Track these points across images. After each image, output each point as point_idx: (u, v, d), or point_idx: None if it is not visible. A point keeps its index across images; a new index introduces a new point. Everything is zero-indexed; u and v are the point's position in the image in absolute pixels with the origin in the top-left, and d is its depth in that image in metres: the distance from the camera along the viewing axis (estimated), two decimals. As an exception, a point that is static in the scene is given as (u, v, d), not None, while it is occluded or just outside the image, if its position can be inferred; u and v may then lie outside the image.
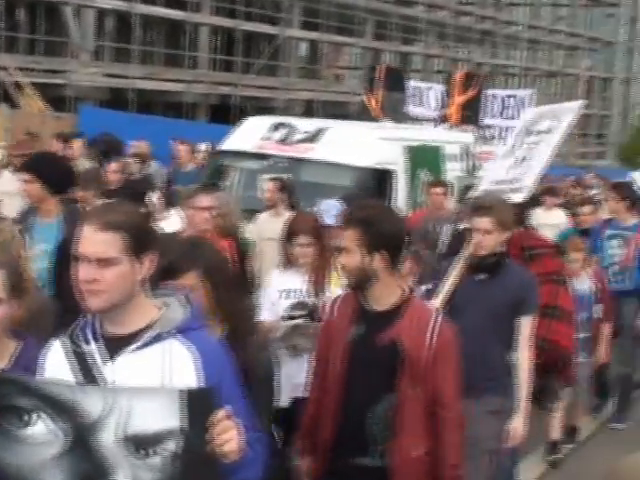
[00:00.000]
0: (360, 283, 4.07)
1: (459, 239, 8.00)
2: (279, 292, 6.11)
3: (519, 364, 5.54)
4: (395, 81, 15.75)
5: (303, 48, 52.25)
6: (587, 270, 8.38)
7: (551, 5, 74.09)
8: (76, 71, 35.21)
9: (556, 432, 8.66)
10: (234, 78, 43.08)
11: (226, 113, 36.75)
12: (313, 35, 47.61)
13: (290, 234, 6.22)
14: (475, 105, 14.25)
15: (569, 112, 8.26)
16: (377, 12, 50.82)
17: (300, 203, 9.60)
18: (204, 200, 6.93)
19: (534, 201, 14.97)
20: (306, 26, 47.05)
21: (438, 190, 10.94)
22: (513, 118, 16.97)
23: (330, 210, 7.81)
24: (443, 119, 14.50)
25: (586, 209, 10.97)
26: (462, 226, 8.26)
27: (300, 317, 5.85)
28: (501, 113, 17.15)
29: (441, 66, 60.85)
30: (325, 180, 10.85)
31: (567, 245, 8.31)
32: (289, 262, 6.22)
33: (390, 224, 4.08)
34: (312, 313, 5.87)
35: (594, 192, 17.73)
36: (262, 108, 39.81)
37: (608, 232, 9.48)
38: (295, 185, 10.43)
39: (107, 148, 14.54)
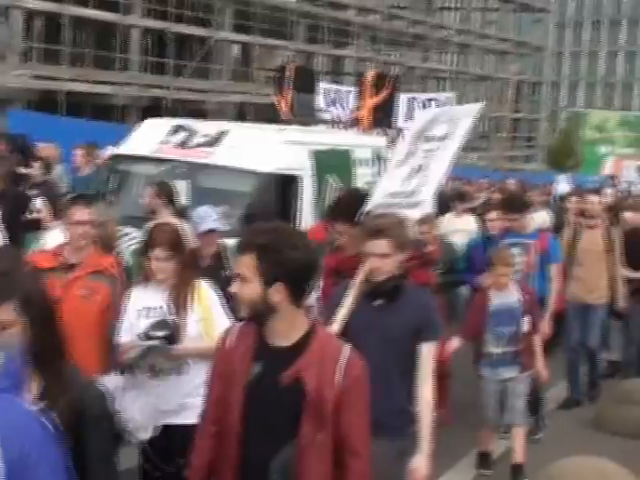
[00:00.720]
0: (258, 316, 3.58)
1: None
2: (138, 310, 5.58)
3: (420, 396, 5.06)
4: (306, 82, 14.93)
5: (235, 51, 52.06)
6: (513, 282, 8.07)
7: (481, 10, 74.93)
8: (4, 73, 34.66)
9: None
10: (165, 80, 42.83)
11: (157, 116, 36.36)
12: (245, 38, 47.52)
13: (147, 246, 5.65)
14: (387, 107, 13.63)
15: (466, 116, 7.68)
16: (309, 15, 50.89)
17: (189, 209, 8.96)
18: (79, 213, 6.11)
19: (444, 207, 14.36)
20: (238, 29, 46.93)
21: None
22: None
23: (204, 217, 7.54)
24: (354, 122, 13.83)
25: (492, 215, 10.48)
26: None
27: (160, 338, 5.36)
28: None
29: (372, 69, 61.14)
30: (225, 186, 10.33)
31: (495, 258, 8.00)
32: (148, 277, 5.66)
33: (293, 251, 3.53)
34: (173, 333, 5.42)
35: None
36: (194, 111, 39.59)
37: (507, 240, 9.15)
38: (195, 191, 10.02)
39: (18, 150, 14.09)
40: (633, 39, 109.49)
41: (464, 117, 7.67)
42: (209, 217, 7.54)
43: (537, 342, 8.02)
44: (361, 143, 12.83)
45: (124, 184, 11.21)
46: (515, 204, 9.28)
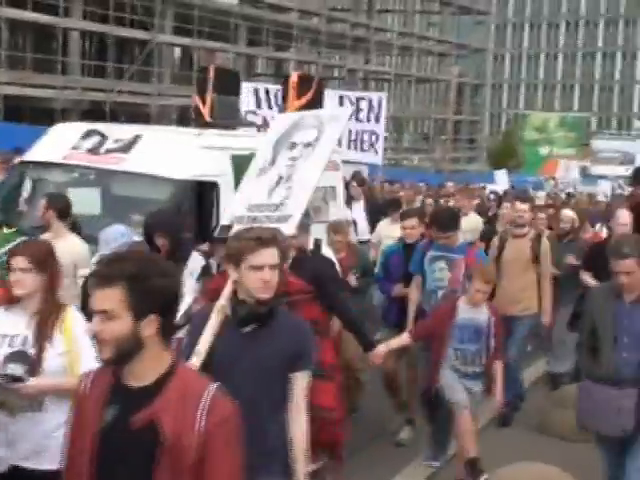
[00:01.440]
0: (124, 355, 3.16)
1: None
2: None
3: (293, 433, 4.55)
4: (228, 83, 14.13)
5: (176, 53, 51.86)
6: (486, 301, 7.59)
7: (422, 12, 75.46)
8: (-60, 77, 34.22)
9: None
10: (106, 84, 42.53)
11: (99, 120, 36.16)
12: (186, 41, 47.35)
13: (8, 259, 4.99)
14: (311, 110, 13.25)
15: (335, 121, 7.10)
16: (250, 18, 50.88)
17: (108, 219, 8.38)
18: None
19: (379, 213, 14.12)
20: (179, 31, 46.78)
21: None
22: (369, 121, 16.91)
23: (109, 242, 7.15)
24: None
25: (409, 222, 9.23)
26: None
27: (11, 374, 4.65)
28: (356, 116, 16.70)
29: (314, 72, 61.30)
30: (139, 194, 9.66)
31: (475, 272, 7.50)
32: (11, 298, 4.93)
33: (163, 279, 3.20)
34: (30, 367, 4.71)
35: (452, 202, 17.25)
36: (135, 114, 39.36)
37: (432, 253, 8.43)
38: (106, 200, 9.48)
39: None
40: (572, 41, 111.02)
41: (333, 122, 7.09)
42: (114, 242, 7.06)
43: (499, 367, 7.54)
44: None
45: (34, 193, 10.38)
46: (445, 223, 8.44)
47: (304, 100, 12.62)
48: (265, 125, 14.60)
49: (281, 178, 6.78)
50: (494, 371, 7.52)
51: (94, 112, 38.97)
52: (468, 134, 77.52)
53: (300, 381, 4.55)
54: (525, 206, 10.10)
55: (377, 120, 17.18)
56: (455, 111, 66.85)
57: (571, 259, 10.91)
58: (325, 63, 60.59)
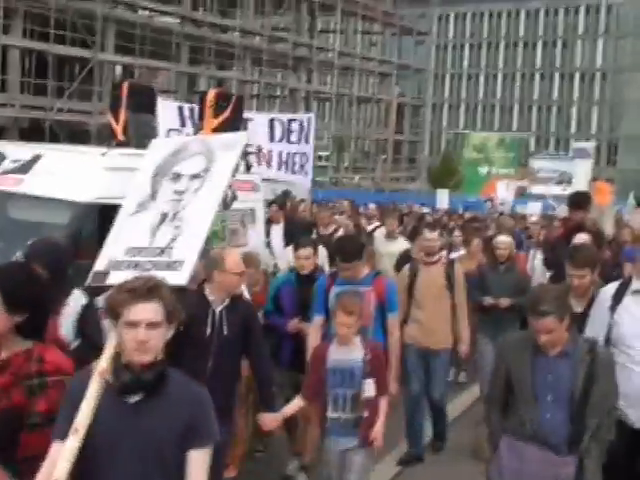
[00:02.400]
0: None
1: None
2: None
3: None
4: (143, 100, 13.39)
5: (117, 72, 51.67)
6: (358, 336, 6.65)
7: (363, 33, 76.03)
8: None
9: None
10: (46, 102, 42.24)
11: (38, 138, 35.92)
12: (127, 59, 47.23)
13: None
14: (230, 129, 12.09)
15: (230, 149, 6.34)
16: (192, 37, 50.95)
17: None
18: None
19: (298, 236, 13.80)
20: (120, 50, 46.67)
21: None
22: (299, 142, 16.75)
23: None
24: None
25: (303, 252, 8.35)
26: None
27: None
28: (287, 138, 16.77)
29: (256, 91, 61.49)
30: (38, 218, 8.92)
31: (337, 304, 6.63)
32: None
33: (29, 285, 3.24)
34: None
35: (374, 225, 16.57)
36: (75, 133, 39.17)
37: (336, 289, 7.45)
38: (4, 224, 8.76)
39: None
40: (511, 62, 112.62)
41: (227, 151, 6.31)
42: None
43: (382, 407, 6.66)
44: None
45: None
46: (350, 252, 7.60)
47: (221, 119, 11.86)
48: None
49: (165, 215, 5.99)
50: (378, 413, 6.62)
51: (33, 130, 38.70)
52: (408, 153, 78.14)
53: (197, 460, 3.80)
54: (434, 234, 9.42)
55: (307, 141, 17.00)
56: (396, 131, 67.41)
57: (487, 300, 10.01)
58: (267, 82, 60.78)
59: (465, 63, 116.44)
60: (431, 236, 9.35)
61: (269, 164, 16.70)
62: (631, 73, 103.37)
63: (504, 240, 10.59)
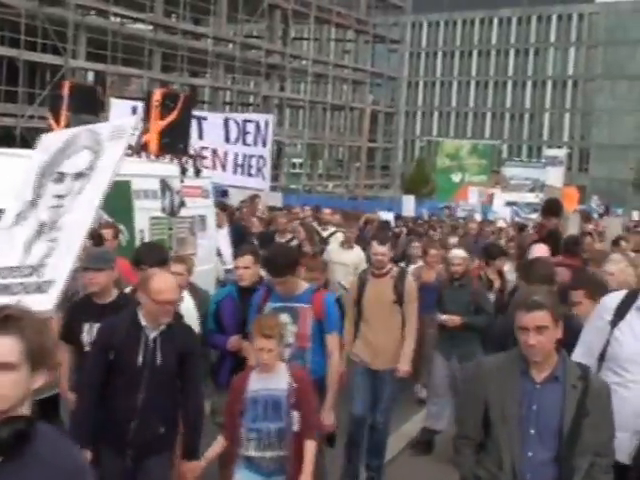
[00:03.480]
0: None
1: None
2: None
3: None
4: (86, 101, 12.68)
5: (89, 79, 51.44)
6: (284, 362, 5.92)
7: (336, 40, 76.13)
8: None
9: None
10: (17, 109, 41.97)
11: (9, 145, 35.67)
12: (99, 66, 47.03)
13: None
14: (177, 130, 11.60)
15: (117, 137, 5.35)
16: (164, 44, 50.81)
17: None
18: None
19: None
20: (92, 57, 46.47)
21: (106, 232, 8.60)
22: (256, 144, 16.01)
23: None
24: (143, 147, 11.71)
25: (241, 261, 7.51)
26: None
27: None
28: (243, 140, 16.01)
29: (228, 98, 61.45)
30: None
31: (254, 326, 5.85)
32: None
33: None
34: None
35: (331, 230, 15.61)
36: (46, 140, 38.87)
37: (270, 305, 6.77)
38: None
39: None
40: (484, 70, 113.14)
41: (114, 140, 5.35)
42: None
43: (309, 447, 5.75)
44: (145, 172, 10.79)
45: None
46: (280, 265, 6.71)
47: (169, 120, 11.31)
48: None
49: (43, 226, 5.00)
50: (304, 452, 5.73)
51: (4, 137, 38.42)
52: (382, 161, 78.27)
53: None
54: (383, 248, 8.54)
55: (264, 144, 16.24)
56: (369, 138, 67.52)
57: (439, 317, 9.41)
58: (240, 89, 60.71)
59: (438, 71, 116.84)
60: (380, 249, 8.55)
61: (224, 167, 16.02)
62: (602, 81, 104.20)
63: (458, 255, 9.85)
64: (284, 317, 6.62)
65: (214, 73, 56.82)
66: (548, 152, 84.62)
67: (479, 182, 58.15)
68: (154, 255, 6.95)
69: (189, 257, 8.36)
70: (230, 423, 5.83)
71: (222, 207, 14.69)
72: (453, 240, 14.84)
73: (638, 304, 5.38)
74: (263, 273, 7.47)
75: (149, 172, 10.85)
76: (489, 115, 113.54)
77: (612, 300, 5.52)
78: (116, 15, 48.18)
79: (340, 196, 60.99)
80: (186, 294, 7.13)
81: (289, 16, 62.60)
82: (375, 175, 74.58)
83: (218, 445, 5.91)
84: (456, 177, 61.04)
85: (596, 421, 4.39)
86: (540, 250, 9.24)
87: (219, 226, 13.14)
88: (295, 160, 79.96)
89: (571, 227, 16.23)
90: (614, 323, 5.37)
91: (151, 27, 51.14)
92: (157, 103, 11.39)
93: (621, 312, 5.39)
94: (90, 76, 51.61)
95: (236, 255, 7.98)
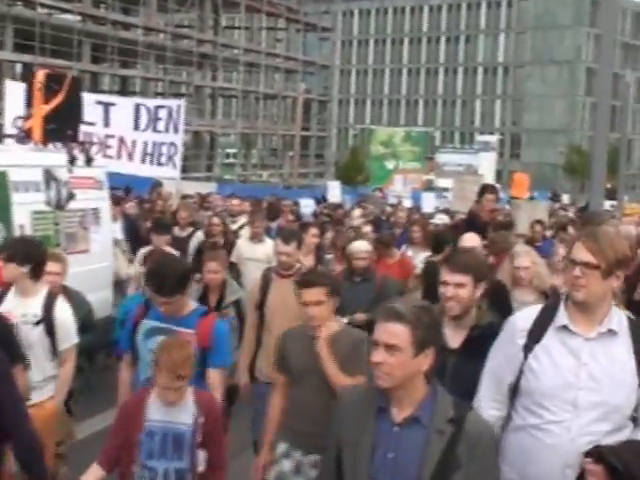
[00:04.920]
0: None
1: None
2: None
3: None
4: None
5: (17, 70, 50.60)
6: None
7: (268, 29, 75.89)
8: None
9: None
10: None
11: None
12: (27, 57, 46.25)
13: None
14: (64, 116, 10.55)
15: None
16: (94, 35, 50.18)
17: None
18: None
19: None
20: (20, 48, 45.70)
21: None
22: (168, 131, 15.31)
23: None
24: (26, 135, 10.63)
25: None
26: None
27: None
28: (154, 127, 15.29)
29: (160, 89, 60.95)
30: None
31: (161, 354, 4.90)
32: None
33: None
34: None
35: (240, 223, 14.23)
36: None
37: (147, 324, 5.83)
38: None
39: None
40: (416, 57, 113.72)
41: None
42: None
43: None
44: (25, 162, 9.85)
45: None
46: (169, 282, 5.56)
47: (54, 104, 10.36)
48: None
49: None
50: None
51: None
52: (316, 149, 78.27)
53: None
54: (288, 247, 7.49)
55: (176, 130, 15.41)
56: (303, 127, 67.46)
57: (360, 317, 8.16)
58: (172, 80, 60.22)
59: (370, 59, 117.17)
60: (284, 249, 7.49)
61: (130, 157, 15.26)
62: (532, 67, 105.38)
63: (362, 248, 8.81)
64: (157, 341, 5.41)
65: (145, 64, 56.26)
66: (480, 138, 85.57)
67: (413, 169, 58.41)
68: (26, 251, 6.19)
69: (63, 255, 7.62)
70: (113, 452, 4.90)
71: (115, 200, 13.62)
72: (367, 229, 13.62)
73: (557, 322, 4.17)
74: None
75: (30, 162, 9.97)
76: (421, 102, 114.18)
77: (524, 319, 4.30)
78: (43, 6, 47.43)
79: (275, 185, 60.87)
80: (60, 299, 6.39)
81: (219, 5, 62.26)
82: (309, 164, 74.57)
83: (93, 474, 4.86)
84: (390, 164, 61.14)
85: (474, 476, 3.54)
86: (471, 240, 8.05)
87: (112, 221, 12.07)
88: (229, 150, 79.61)
89: (522, 215, 16.15)
90: (528, 348, 4.18)
91: (79, 18, 50.45)
92: (40, 85, 10.51)
93: (536, 334, 4.19)
94: (18, 68, 50.80)
95: (145, 258, 7.08)
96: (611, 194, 32.30)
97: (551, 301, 4.62)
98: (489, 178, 36.46)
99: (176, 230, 12.19)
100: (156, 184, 18.07)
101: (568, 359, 4.08)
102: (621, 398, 4.02)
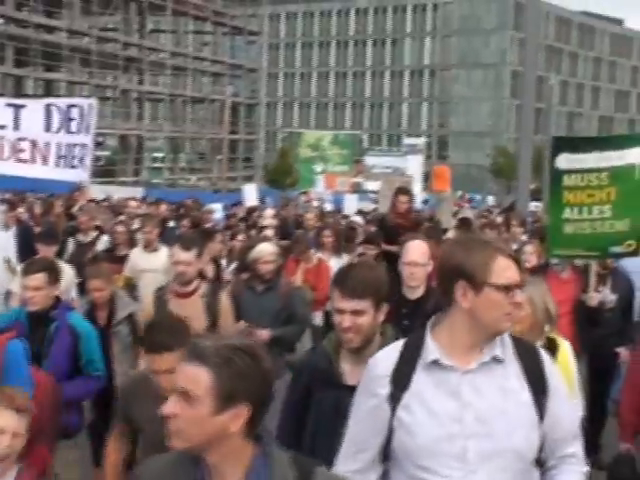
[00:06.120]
0: None
1: None
2: None
3: None
4: None
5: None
6: None
7: (194, 32, 75.50)
8: None
9: None
10: None
11: None
12: (-52, 61, 45.50)
13: None
14: None
15: None
16: (17, 38, 49.41)
17: None
18: None
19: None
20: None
21: None
22: (79, 132, 14.61)
23: None
24: None
25: (30, 280, 6.01)
26: None
27: None
28: (67, 128, 14.55)
29: (86, 92, 60.23)
30: None
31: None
32: None
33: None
34: None
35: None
36: None
37: None
38: None
39: None
40: (343, 60, 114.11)
41: None
42: None
43: None
44: None
45: None
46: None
47: None
48: None
49: None
50: None
51: None
52: (244, 153, 78.08)
53: None
54: (188, 255, 6.48)
55: (87, 130, 14.74)
56: (231, 130, 67.24)
57: (263, 334, 7.13)
58: (97, 83, 59.55)
59: (297, 62, 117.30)
60: (183, 256, 6.46)
61: (45, 160, 14.45)
62: (457, 70, 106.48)
63: (267, 250, 7.59)
64: None
65: (70, 67, 55.60)
66: (407, 141, 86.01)
67: (341, 172, 58.57)
68: None
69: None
70: None
71: (11, 205, 13.06)
72: (269, 232, 13.03)
73: (426, 358, 3.30)
74: (59, 292, 6.16)
75: None
76: (349, 105, 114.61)
77: (383, 361, 3.39)
78: (-36, 9, 46.68)
79: (203, 189, 60.56)
80: None
81: (145, 8, 61.75)
82: (238, 167, 74.33)
83: None
84: (318, 167, 61.26)
85: None
86: (416, 250, 6.25)
87: (7, 227, 11.62)
88: (156, 154, 78.96)
89: (445, 209, 16.19)
90: (394, 398, 3.28)
91: (2, 21, 49.65)
92: None
93: (402, 378, 3.29)
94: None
95: (25, 271, 6.18)
96: (536, 195, 32.73)
97: (415, 333, 3.45)
98: (417, 180, 36.69)
99: (80, 236, 11.70)
100: (75, 188, 17.60)
101: (447, 402, 3.21)
102: (520, 439, 3.22)
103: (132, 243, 11.21)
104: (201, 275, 7.05)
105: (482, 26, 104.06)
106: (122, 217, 14.76)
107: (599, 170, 7.68)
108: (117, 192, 22.35)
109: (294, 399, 4.19)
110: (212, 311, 6.45)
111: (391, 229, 10.67)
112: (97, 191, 19.46)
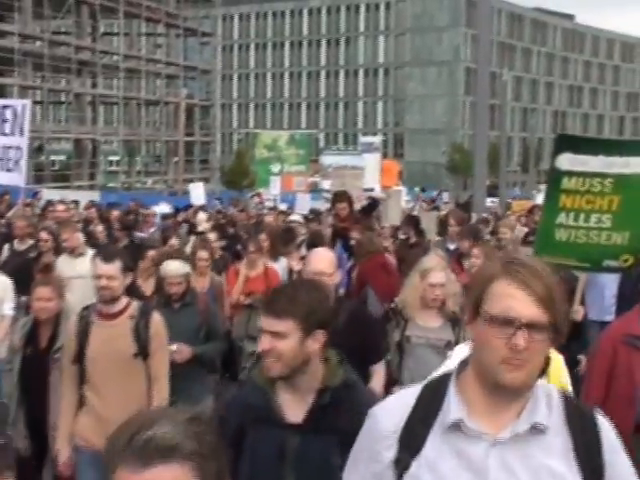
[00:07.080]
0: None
1: None
2: None
3: None
4: None
5: None
6: None
7: (147, 35, 75.12)
8: None
9: None
10: None
11: None
12: None
13: None
14: None
15: None
16: (-33, 43, 48.92)
17: None
18: None
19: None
20: None
21: None
22: (14, 134, 14.04)
23: None
24: None
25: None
26: None
27: None
28: (2, 130, 14.10)
29: (39, 97, 59.72)
30: None
31: None
32: None
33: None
34: None
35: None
36: None
37: None
38: None
39: None
40: (297, 60, 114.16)
41: None
42: None
43: None
44: None
45: None
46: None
47: None
48: None
49: None
50: None
51: None
52: (200, 155, 77.80)
53: None
54: (110, 267, 5.70)
55: (21, 132, 14.14)
56: (186, 132, 67.01)
57: (184, 351, 6.86)
58: (50, 87, 59.07)
59: (252, 63, 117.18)
60: (105, 269, 5.68)
61: None
62: (412, 68, 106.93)
63: (177, 272, 7.19)
64: None
65: (22, 72, 55.02)
66: (363, 139, 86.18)
67: (297, 172, 58.63)
68: None
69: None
70: None
71: None
72: (214, 239, 12.58)
73: (446, 417, 2.47)
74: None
75: None
76: (304, 105, 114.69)
77: (390, 415, 2.56)
78: None
79: (160, 192, 60.30)
80: None
81: (97, 11, 61.29)
82: (194, 169, 74.05)
83: None
84: (275, 168, 61.25)
85: None
86: (322, 259, 5.42)
87: None
88: (112, 158, 78.53)
89: (393, 209, 16.17)
90: (401, 465, 2.48)
91: (-49, 26, 49.14)
92: None
93: (412, 440, 2.48)
94: None
95: None
96: (492, 191, 33.00)
97: (436, 379, 2.62)
98: (374, 178, 36.74)
99: (15, 243, 11.08)
100: (31, 195, 17.45)
101: (466, 478, 2.41)
102: None
103: (58, 250, 10.43)
104: (137, 293, 6.35)
105: (435, 24, 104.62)
106: (48, 222, 14.00)
107: (604, 175, 6.89)
108: (72, 197, 22.21)
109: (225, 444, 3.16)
110: (140, 334, 5.68)
111: (340, 232, 11.12)
112: (53, 195, 19.40)
